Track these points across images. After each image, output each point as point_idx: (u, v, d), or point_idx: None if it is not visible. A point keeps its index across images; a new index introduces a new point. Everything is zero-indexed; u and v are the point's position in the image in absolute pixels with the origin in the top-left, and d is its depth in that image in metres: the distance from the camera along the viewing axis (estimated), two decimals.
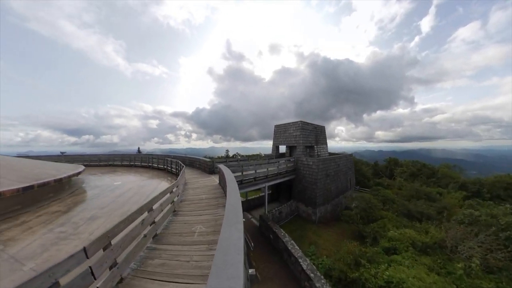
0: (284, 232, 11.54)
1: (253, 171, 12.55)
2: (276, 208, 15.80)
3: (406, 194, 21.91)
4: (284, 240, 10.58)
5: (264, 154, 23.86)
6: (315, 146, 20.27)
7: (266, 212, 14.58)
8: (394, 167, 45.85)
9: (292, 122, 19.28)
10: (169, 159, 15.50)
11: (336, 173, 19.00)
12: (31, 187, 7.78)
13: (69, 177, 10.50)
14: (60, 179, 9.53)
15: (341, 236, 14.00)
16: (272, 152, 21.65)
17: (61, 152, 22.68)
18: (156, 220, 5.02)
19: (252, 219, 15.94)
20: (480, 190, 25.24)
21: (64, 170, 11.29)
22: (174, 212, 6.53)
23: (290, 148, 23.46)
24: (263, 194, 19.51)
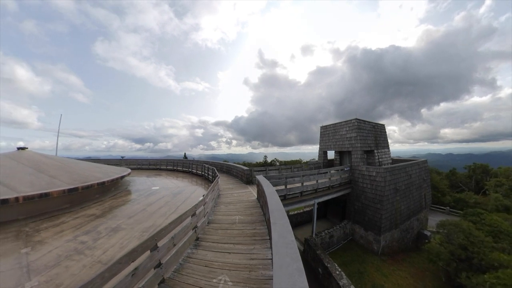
0: (339, 269, 8.44)
1: (299, 184, 10.03)
2: (326, 231, 12.64)
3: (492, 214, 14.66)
4: (340, 284, 7.56)
5: (309, 161, 20.75)
6: (375, 151, 16.04)
7: (314, 234, 11.65)
8: (482, 176, 33.71)
9: (345, 122, 15.76)
10: (207, 165, 14.66)
11: (407, 187, 14.23)
12: (75, 189, 8.26)
13: (112, 180, 10.75)
14: (103, 182, 9.82)
15: (419, 281, 9.85)
16: (318, 158, 18.43)
17: (121, 157, 25.55)
18: (162, 261, 3.31)
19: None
20: None
21: (111, 173, 11.86)
22: (196, 241, 4.77)
23: (341, 154, 19.62)
24: (308, 209, 16.56)
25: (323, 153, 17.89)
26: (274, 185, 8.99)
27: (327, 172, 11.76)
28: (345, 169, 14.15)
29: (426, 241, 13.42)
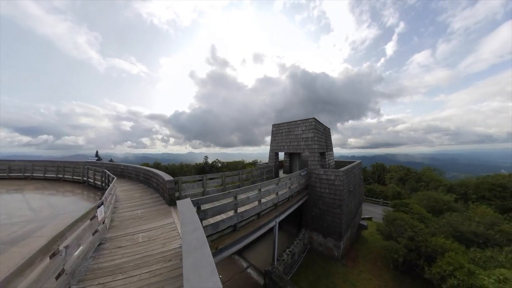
0: None
1: (256, 202, 6.71)
2: (287, 251, 10.03)
3: (425, 205, 18.22)
4: None
5: (258, 164, 18.00)
6: (326, 153, 15.22)
7: (275, 262, 8.67)
8: (381, 172, 45.01)
9: (301, 120, 13.95)
10: (107, 172, 8.91)
11: (354, 187, 14.26)
12: None
13: None
14: None
15: (379, 277, 10.23)
16: (269, 161, 15.99)
17: None
18: None
19: (249, 269, 9.82)
20: (466, 192, 25.12)
21: None
22: None
23: (291, 156, 18.10)
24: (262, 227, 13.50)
25: (274, 154, 15.57)
26: (219, 211, 5.20)
27: (287, 178, 9.06)
28: (302, 173, 12.20)
29: (365, 229, 15.54)
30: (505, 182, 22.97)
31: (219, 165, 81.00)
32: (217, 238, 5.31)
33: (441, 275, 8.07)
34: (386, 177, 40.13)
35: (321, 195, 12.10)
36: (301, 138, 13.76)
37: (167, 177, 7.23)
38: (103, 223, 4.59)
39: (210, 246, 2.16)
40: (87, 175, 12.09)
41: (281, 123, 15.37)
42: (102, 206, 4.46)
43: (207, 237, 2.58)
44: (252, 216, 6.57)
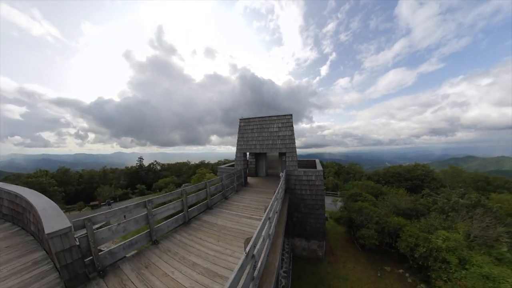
0: None
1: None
2: (282, 272, 7.51)
3: (366, 193, 21.76)
4: None
5: (222, 168, 14.23)
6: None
7: None
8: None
9: (276, 116, 11.79)
10: None
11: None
12: None
13: None
14: None
15: (358, 263, 11.17)
16: (236, 162, 12.96)
17: None
18: None
19: None
20: (378, 179, 33.47)
21: None
22: None
23: (257, 156, 15.77)
24: None
25: (243, 155, 12.74)
26: None
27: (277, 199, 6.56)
28: (280, 175, 10.25)
29: (327, 220, 15.81)
30: (399, 170, 33.78)
31: (158, 167, 68.88)
32: None
33: (410, 247, 9.81)
34: (326, 171, 45.95)
35: (302, 198, 10.83)
36: (277, 136, 11.65)
37: (50, 224, 3.05)
38: None
39: None
40: None
41: (251, 118, 12.73)
42: None
43: None
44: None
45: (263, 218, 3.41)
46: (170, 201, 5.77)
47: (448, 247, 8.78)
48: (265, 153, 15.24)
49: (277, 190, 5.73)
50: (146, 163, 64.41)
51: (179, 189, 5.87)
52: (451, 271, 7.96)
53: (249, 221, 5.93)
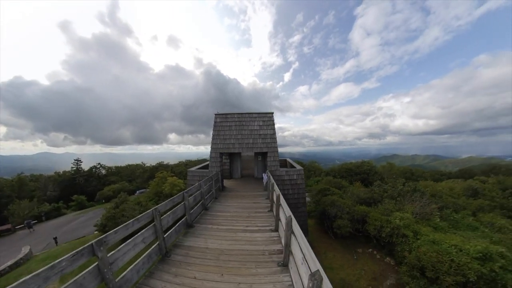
0: None
1: None
2: None
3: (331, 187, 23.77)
4: None
5: (193, 170, 12.27)
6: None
7: None
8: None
9: (256, 113, 10.98)
10: None
11: None
12: None
13: None
14: None
15: (339, 248, 12.16)
16: (211, 163, 11.46)
17: None
18: None
19: None
20: (335, 175, 37.49)
21: None
22: None
23: (231, 156, 14.65)
24: None
25: (219, 155, 11.44)
26: None
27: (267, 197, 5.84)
28: (265, 177, 9.54)
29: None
30: (351, 166, 38.15)
31: (103, 172, 57.95)
32: None
33: (377, 229, 11.15)
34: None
35: (285, 197, 10.32)
36: (258, 134, 10.93)
37: None
38: None
39: None
40: None
41: (228, 113, 11.59)
42: None
43: None
44: None
45: (286, 233, 2.56)
46: (137, 231, 3.52)
47: (404, 224, 10.71)
48: (239, 152, 14.29)
49: (279, 194, 4.94)
50: (86, 166, 53.49)
51: (149, 211, 3.88)
52: (409, 242, 9.69)
53: (249, 236, 4.77)
